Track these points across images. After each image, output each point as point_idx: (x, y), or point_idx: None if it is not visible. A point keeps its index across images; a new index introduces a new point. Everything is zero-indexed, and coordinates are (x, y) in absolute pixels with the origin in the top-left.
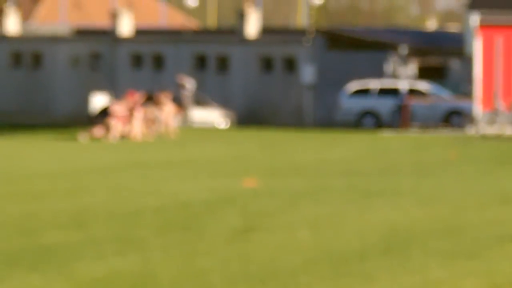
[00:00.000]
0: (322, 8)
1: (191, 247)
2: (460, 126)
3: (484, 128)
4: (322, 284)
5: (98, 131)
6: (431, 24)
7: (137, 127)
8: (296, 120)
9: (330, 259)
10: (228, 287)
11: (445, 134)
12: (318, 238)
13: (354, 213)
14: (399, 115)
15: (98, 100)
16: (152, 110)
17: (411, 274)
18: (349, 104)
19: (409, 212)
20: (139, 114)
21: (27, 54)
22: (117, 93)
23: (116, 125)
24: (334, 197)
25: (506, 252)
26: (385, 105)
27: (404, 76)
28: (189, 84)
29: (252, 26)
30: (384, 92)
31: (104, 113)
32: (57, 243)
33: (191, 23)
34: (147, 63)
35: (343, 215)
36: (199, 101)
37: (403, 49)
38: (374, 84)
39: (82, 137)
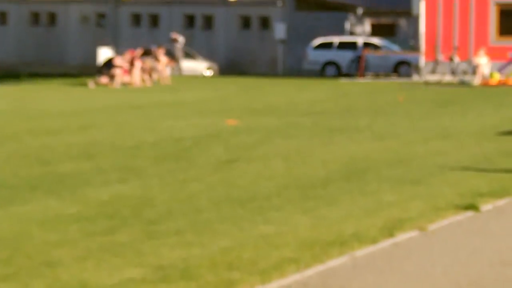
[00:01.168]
0: None
1: (183, 174)
2: (407, 74)
3: (427, 76)
4: (292, 206)
5: (103, 79)
6: None
7: (136, 76)
8: (270, 69)
9: (299, 185)
10: (213, 208)
11: (395, 81)
12: (289, 167)
13: (319, 146)
14: (356, 65)
15: (104, 53)
16: (149, 62)
17: (367, 197)
18: (314, 56)
19: (365, 145)
20: (138, 65)
21: (44, 13)
22: (119, 47)
23: (119, 74)
24: (302, 133)
25: (446, 179)
26: (344, 57)
27: (360, 32)
28: (180, 39)
29: None
30: (343, 45)
31: (109, 64)
32: (70, 171)
33: None
34: (144, 22)
35: (310, 147)
36: (189, 54)
37: (360, 10)
38: (335, 39)
39: (91, 84)
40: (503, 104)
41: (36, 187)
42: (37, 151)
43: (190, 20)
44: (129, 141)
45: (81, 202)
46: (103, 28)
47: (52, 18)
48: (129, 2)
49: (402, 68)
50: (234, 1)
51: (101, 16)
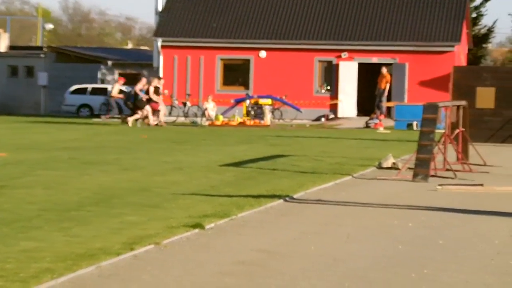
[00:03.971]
0: (53, 32)
1: None
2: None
3: (164, 117)
4: (50, 226)
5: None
6: (130, 45)
7: None
8: (35, 111)
9: (56, 208)
10: None
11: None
12: (48, 194)
13: (75, 176)
14: (106, 107)
15: None
16: None
17: (113, 218)
18: (71, 100)
19: (113, 176)
20: None
21: None
22: None
23: None
24: (61, 165)
25: (178, 204)
26: (96, 101)
27: (110, 80)
28: None
29: (3, 44)
30: (96, 91)
31: None
32: None
33: None
34: None
35: (67, 177)
36: None
37: (110, 62)
38: (89, 85)
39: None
40: (226, 142)
41: None
42: None
43: None
44: None
45: None
46: None
47: None
48: None
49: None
50: (4, 53)
51: None
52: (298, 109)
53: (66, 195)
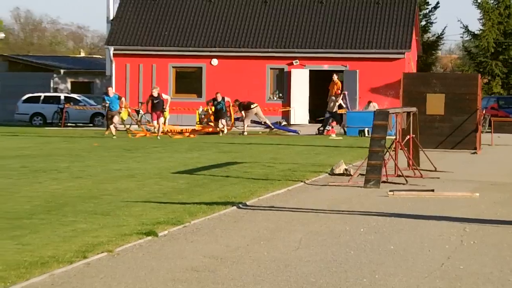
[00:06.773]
0: (4, 41)
1: None
2: (101, 124)
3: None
4: (1, 234)
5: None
6: (82, 54)
7: None
8: None
9: (8, 216)
10: None
11: (91, 130)
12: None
13: (26, 184)
14: (59, 116)
15: None
16: None
17: (64, 226)
18: (24, 108)
19: (64, 184)
20: None
21: None
22: None
23: None
24: (12, 173)
25: (130, 211)
26: (49, 109)
27: (62, 89)
28: None
29: None
30: (48, 99)
31: None
32: None
33: None
34: None
35: (18, 185)
36: None
37: (62, 71)
38: (42, 94)
39: None
40: (177, 149)
41: None
42: None
43: None
44: None
45: None
46: None
47: None
48: None
49: (97, 119)
50: None
51: None
52: (294, 131)
53: (18, 203)
